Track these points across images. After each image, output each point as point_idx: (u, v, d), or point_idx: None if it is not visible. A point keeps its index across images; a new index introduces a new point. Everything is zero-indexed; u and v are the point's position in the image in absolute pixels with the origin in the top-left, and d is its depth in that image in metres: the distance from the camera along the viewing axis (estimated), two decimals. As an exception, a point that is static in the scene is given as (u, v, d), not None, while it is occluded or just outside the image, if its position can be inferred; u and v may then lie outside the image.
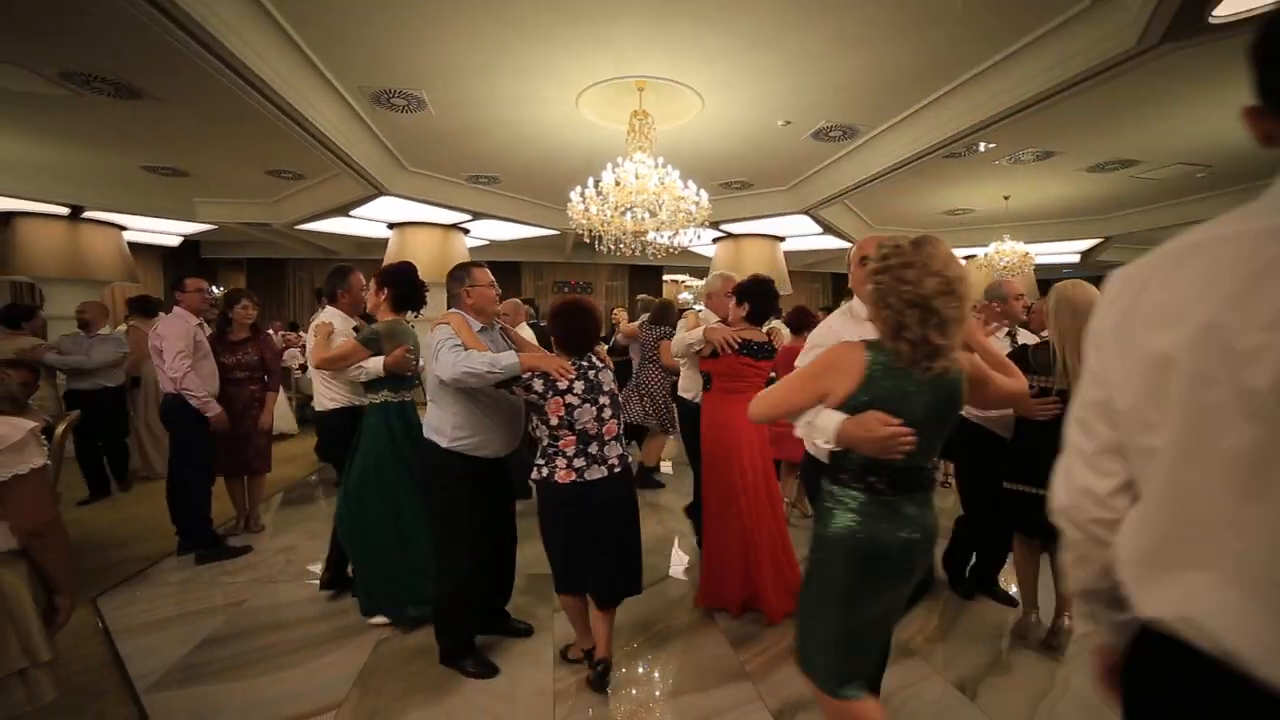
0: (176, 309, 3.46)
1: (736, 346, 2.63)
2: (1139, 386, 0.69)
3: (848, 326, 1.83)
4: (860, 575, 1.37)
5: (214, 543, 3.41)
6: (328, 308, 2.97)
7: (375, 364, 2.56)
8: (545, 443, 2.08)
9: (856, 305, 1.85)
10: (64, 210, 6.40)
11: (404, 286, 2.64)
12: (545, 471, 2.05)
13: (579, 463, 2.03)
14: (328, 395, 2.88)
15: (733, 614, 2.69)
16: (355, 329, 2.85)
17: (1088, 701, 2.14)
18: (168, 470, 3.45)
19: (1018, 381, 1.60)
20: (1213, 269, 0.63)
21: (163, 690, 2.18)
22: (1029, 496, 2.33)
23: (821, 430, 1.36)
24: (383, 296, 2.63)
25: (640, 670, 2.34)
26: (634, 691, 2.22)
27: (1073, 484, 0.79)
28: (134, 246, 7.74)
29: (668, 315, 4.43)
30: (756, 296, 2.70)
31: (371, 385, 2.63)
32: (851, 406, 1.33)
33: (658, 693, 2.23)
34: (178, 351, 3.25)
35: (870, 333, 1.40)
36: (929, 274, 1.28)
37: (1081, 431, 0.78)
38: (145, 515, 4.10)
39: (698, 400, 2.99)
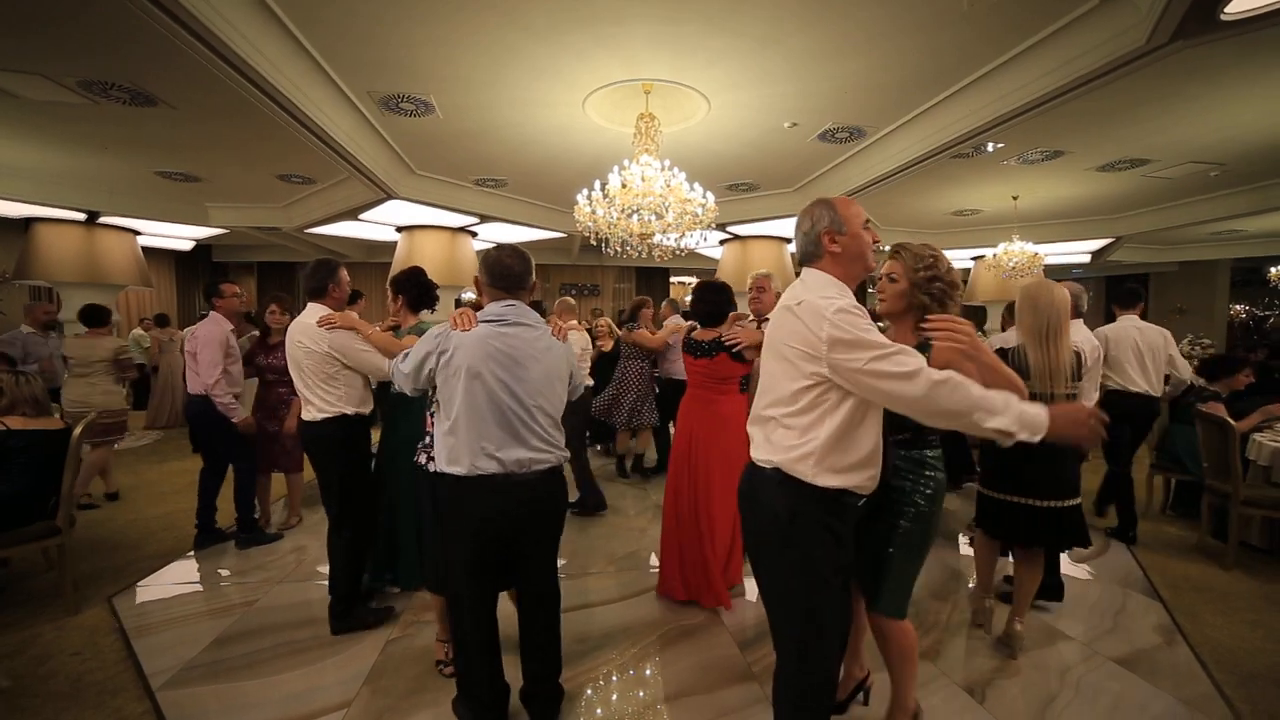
0: (213, 314, 3.60)
1: (670, 341, 2.98)
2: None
3: None
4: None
5: (252, 528, 3.65)
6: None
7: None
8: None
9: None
10: (81, 216, 6.50)
11: (415, 289, 2.73)
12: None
13: None
14: (324, 403, 2.52)
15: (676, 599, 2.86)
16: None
17: (1097, 704, 2.13)
18: (207, 464, 3.61)
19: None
20: None
21: (176, 687, 2.21)
22: (998, 502, 2.43)
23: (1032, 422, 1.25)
24: (399, 303, 2.71)
25: (648, 671, 2.34)
26: (642, 692, 2.22)
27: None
28: (147, 250, 7.85)
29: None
30: (694, 302, 2.96)
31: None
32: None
33: (665, 693, 2.23)
34: (211, 358, 3.39)
35: None
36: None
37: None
38: (158, 515, 4.15)
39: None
